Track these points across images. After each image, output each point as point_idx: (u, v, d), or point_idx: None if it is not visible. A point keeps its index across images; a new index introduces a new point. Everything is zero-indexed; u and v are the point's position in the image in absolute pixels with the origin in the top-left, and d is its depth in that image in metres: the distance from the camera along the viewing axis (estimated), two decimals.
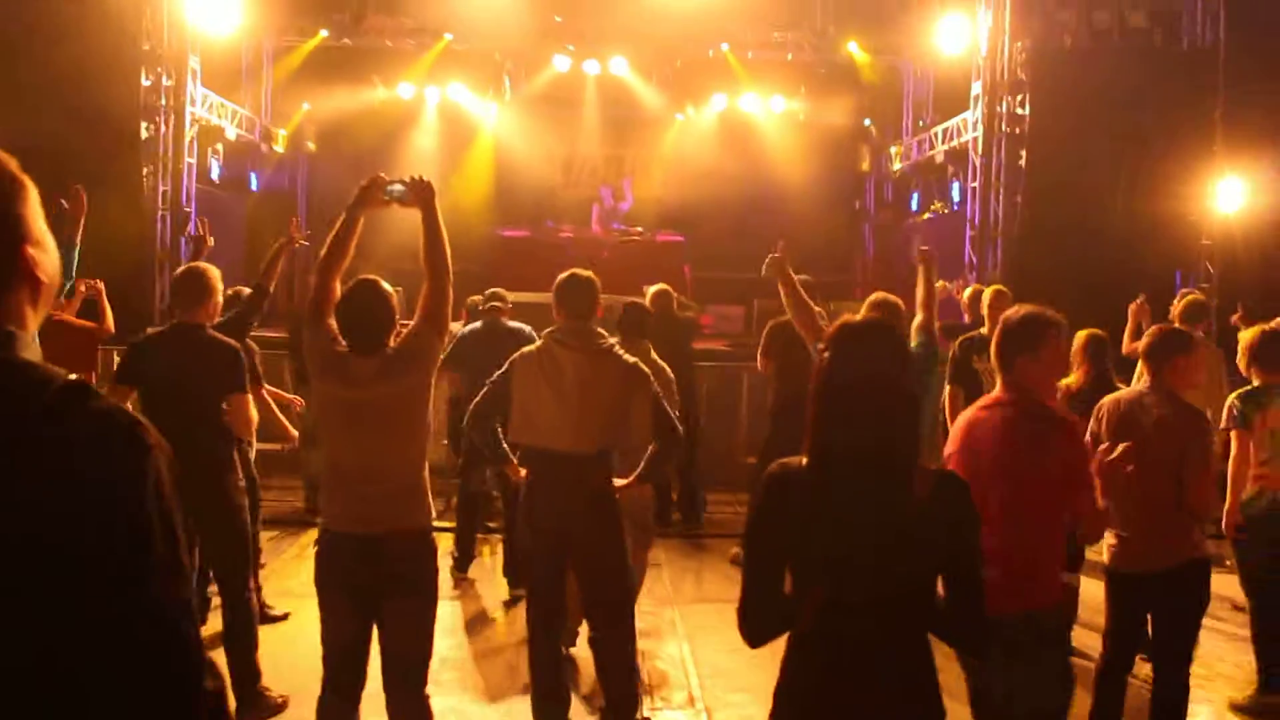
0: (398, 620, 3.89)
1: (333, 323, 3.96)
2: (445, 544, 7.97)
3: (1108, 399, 4.67)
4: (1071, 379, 5.53)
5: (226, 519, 5.04)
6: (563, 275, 4.82)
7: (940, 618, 2.52)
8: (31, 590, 1.34)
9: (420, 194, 4.14)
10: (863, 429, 2.47)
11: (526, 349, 4.78)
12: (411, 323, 4.01)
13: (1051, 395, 3.60)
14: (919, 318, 5.91)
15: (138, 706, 1.39)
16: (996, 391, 3.56)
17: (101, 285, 8.20)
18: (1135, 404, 4.51)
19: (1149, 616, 4.58)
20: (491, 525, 8.52)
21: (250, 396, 5.15)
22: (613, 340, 4.78)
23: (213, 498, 4.96)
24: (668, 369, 5.87)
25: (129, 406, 4.56)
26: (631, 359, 4.75)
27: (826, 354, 2.55)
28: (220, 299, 5.34)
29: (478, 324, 7.75)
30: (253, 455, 6.21)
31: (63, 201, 6.53)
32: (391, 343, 3.94)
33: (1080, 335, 5.67)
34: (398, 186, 4.14)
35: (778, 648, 2.61)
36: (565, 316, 4.72)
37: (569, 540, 4.64)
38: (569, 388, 4.55)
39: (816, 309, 5.94)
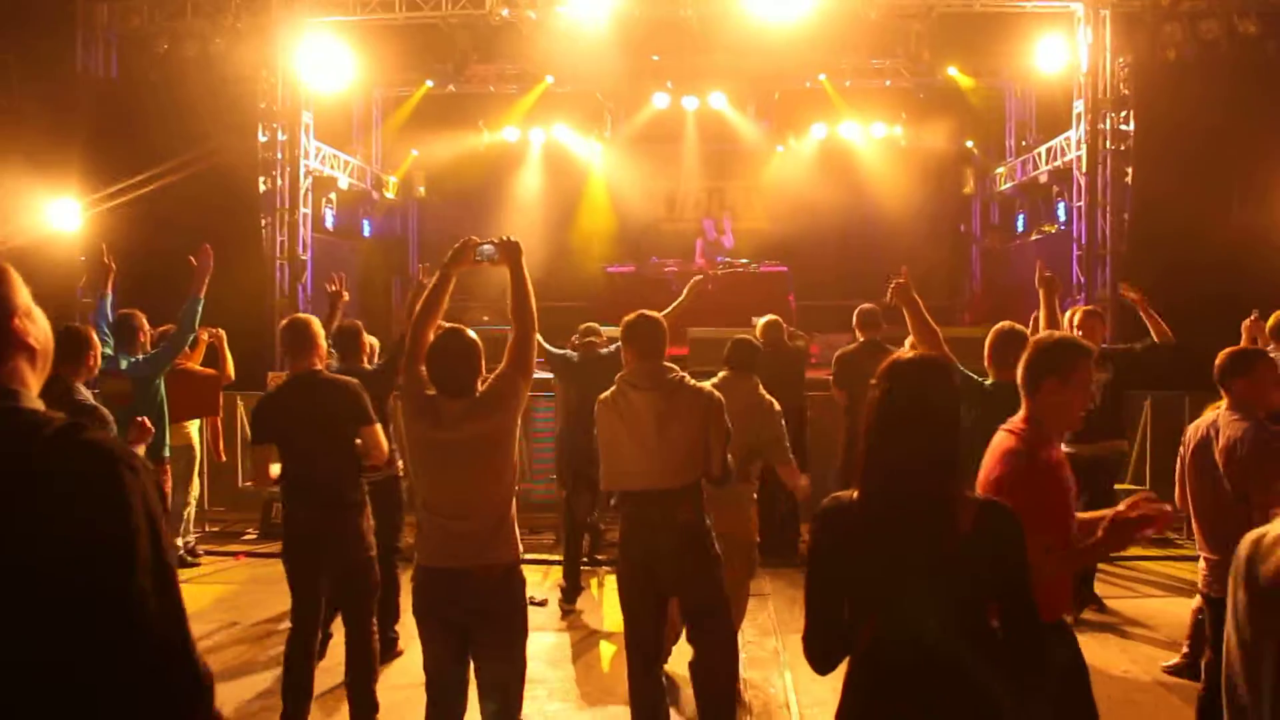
0: (488, 651, 4.06)
1: (423, 369, 4.19)
2: (556, 575, 8.22)
3: (1191, 425, 4.62)
4: None
5: (355, 556, 5.19)
6: (629, 317, 4.92)
7: (996, 643, 2.57)
8: (44, 605, 1.56)
9: (508, 253, 4.37)
10: (909, 464, 2.56)
11: (603, 395, 4.88)
12: (499, 368, 4.20)
13: (1070, 424, 3.42)
14: None
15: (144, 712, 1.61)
16: (1019, 416, 3.38)
17: (222, 333, 8.64)
18: (1211, 428, 4.46)
19: None
20: (601, 558, 8.68)
21: (379, 426, 5.32)
22: (682, 373, 4.84)
23: (344, 535, 5.14)
24: (776, 403, 5.93)
25: (275, 464, 4.85)
26: (704, 387, 4.84)
27: (877, 390, 2.64)
28: (325, 345, 5.53)
29: (574, 355, 8.03)
30: None
31: (191, 258, 6.96)
32: (479, 387, 4.13)
33: None
34: (488, 247, 4.41)
35: None
36: (635, 357, 4.83)
37: (662, 576, 4.71)
38: (646, 428, 4.65)
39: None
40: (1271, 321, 7.32)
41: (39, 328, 1.84)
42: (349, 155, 15.84)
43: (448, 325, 4.24)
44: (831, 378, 8.55)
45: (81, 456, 1.64)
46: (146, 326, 7.41)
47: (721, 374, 4.86)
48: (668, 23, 14.14)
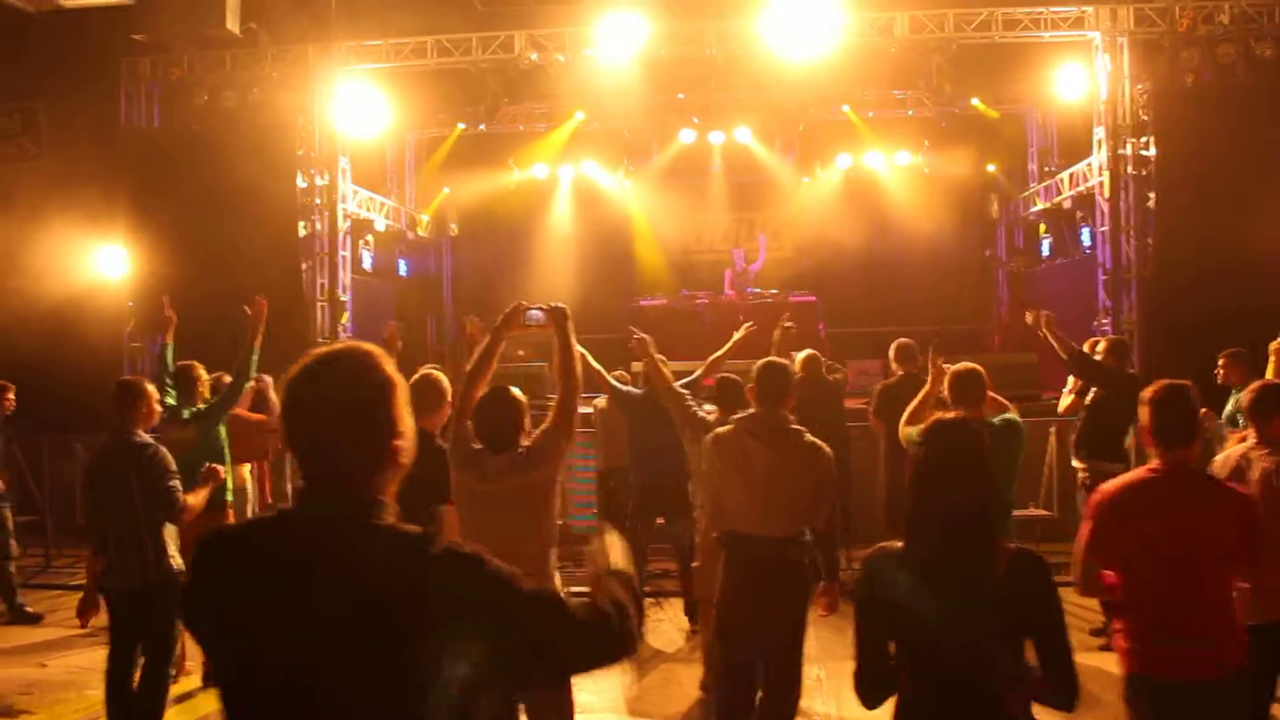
0: (537, 694, 4.25)
1: (470, 425, 4.47)
2: None
3: (1218, 458, 4.77)
4: None
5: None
6: (760, 362, 5.08)
7: (1036, 684, 2.82)
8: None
9: (555, 318, 4.61)
10: (948, 517, 2.82)
11: (716, 434, 5.05)
12: (545, 424, 4.47)
13: None
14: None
15: None
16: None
17: (270, 380, 8.92)
18: (1242, 459, 4.62)
19: None
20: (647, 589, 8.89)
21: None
22: (799, 427, 4.97)
23: None
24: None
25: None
26: (820, 444, 4.95)
27: (922, 450, 2.91)
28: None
29: (638, 391, 8.26)
30: None
31: (246, 309, 7.26)
32: (523, 442, 4.39)
33: None
34: (536, 312, 4.70)
35: None
36: (758, 404, 4.97)
37: (764, 607, 4.86)
38: (757, 477, 4.82)
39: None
40: None
41: (411, 446, 2.02)
42: (384, 197, 16.21)
43: (497, 387, 4.52)
44: (871, 409, 8.82)
45: (447, 563, 1.92)
46: (204, 376, 7.70)
47: (800, 427, 5.03)
48: (692, 61, 14.45)
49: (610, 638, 2.02)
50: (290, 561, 1.88)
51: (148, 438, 5.71)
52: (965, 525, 2.82)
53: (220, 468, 5.89)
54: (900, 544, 2.91)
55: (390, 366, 2.01)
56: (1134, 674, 3.70)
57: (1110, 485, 3.83)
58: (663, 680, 6.96)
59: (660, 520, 8.35)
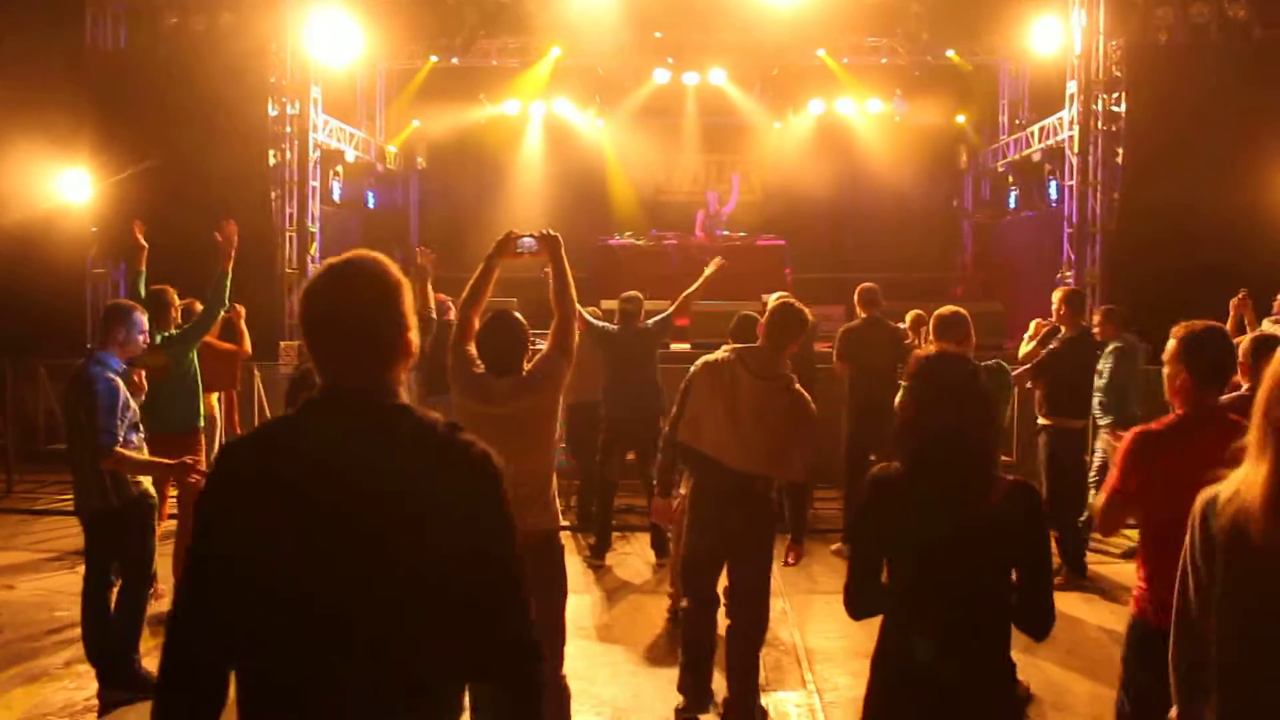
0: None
1: (472, 349, 4.52)
2: (569, 541, 8.57)
3: None
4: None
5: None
6: (777, 302, 5.22)
7: (1014, 606, 2.96)
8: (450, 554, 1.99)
9: (549, 246, 4.62)
10: (946, 447, 2.93)
11: (709, 358, 5.16)
12: (544, 348, 4.54)
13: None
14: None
15: None
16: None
17: (241, 309, 8.88)
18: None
19: None
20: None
21: None
22: (792, 375, 5.09)
23: None
24: None
25: None
26: (805, 395, 5.09)
27: (912, 385, 3.01)
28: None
29: (614, 327, 8.35)
30: None
31: (216, 234, 7.22)
32: (526, 365, 4.47)
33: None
34: (529, 239, 4.66)
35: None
36: (766, 342, 5.09)
37: (728, 538, 5.09)
38: (743, 411, 4.94)
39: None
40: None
41: (417, 336, 2.20)
42: (355, 128, 16.04)
43: (498, 310, 4.57)
44: (835, 352, 8.90)
45: (470, 450, 2.10)
46: (177, 302, 7.67)
47: (792, 375, 5.11)
48: (669, 0, 14.38)
49: (534, 661, 2.12)
50: (328, 439, 2.03)
51: (103, 371, 5.61)
52: (966, 443, 2.93)
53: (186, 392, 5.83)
54: (898, 464, 3.02)
55: (398, 269, 2.18)
56: (1141, 621, 3.60)
57: (1145, 428, 3.72)
58: (630, 610, 7.13)
59: (631, 456, 8.48)
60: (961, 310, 6.18)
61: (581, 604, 7.26)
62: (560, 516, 4.60)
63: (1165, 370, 3.78)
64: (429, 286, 6.77)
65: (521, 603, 2.08)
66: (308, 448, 2.03)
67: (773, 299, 9.54)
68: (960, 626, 2.91)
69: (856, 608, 3.11)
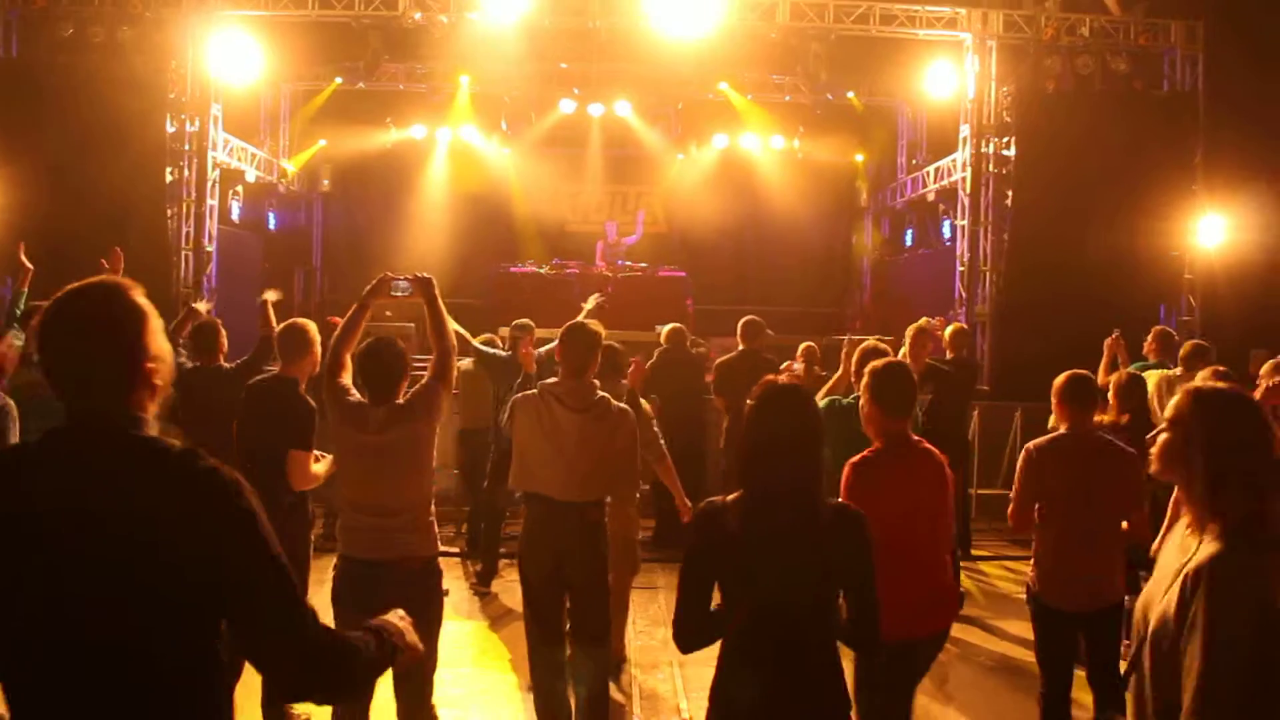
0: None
1: (345, 380, 4.59)
2: (457, 567, 8.54)
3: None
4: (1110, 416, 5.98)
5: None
6: (567, 326, 5.10)
7: (843, 626, 3.07)
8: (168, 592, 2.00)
9: (422, 288, 4.79)
10: (780, 471, 3.03)
11: (525, 395, 5.11)
12: (425, 378, 4.58)
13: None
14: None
15: None
16: None
17: None
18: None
19: None
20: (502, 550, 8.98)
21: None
22: (603, 393, 5.05)
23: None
24: (646, 405, 6.32)
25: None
26: (627, 410, 5.09)
27: (751, 411, 3.11)
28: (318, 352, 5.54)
29: (507, 353, 8.34)
30: None
31: (102, 261, 7.13)
32: (402, 394, 4.50)
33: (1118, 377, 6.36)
34: (403, 283, 4.85)
35: None
36: (566, 371, 5.00)
37: (564, 570, 5.02)
38: (568, 446, 4.88)
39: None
40: (1185, 350, 7.92)
41: (166, 368, 2.16)
42: (256, 148, 15.87)
43: (377, 337, 4.60)
44: (712, 385, 8.99)
45: (204, 479, 2.05)
46: None
47: (603, 392, 5.08)
48: (576, 32, 14.51)
49: (338, 663, 2.15)
50: (51, 485, 2.01)
51: None
52: (795, 482, 3.03)
53: None
54: (732, 496, 3.08)
55: (140, 295, 2.16)
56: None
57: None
58: (512, 638, 7.08)
59: None
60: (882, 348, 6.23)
61: (463, 631, 7.26)
62: (438, 542, 4.61)
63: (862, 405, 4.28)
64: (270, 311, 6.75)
65: (294, 606, 2.11)
66: (43, 486, 2.01)
67: (664, 330, 9.74)
68: (795, 650, 2.99)
69: (688, 640, 3.13)
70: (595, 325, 5.16)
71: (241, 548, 2.05)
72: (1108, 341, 8.69)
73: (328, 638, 2.14)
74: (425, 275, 4.81)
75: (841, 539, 3.02)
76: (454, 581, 8.33)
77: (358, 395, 4.52)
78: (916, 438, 4.22)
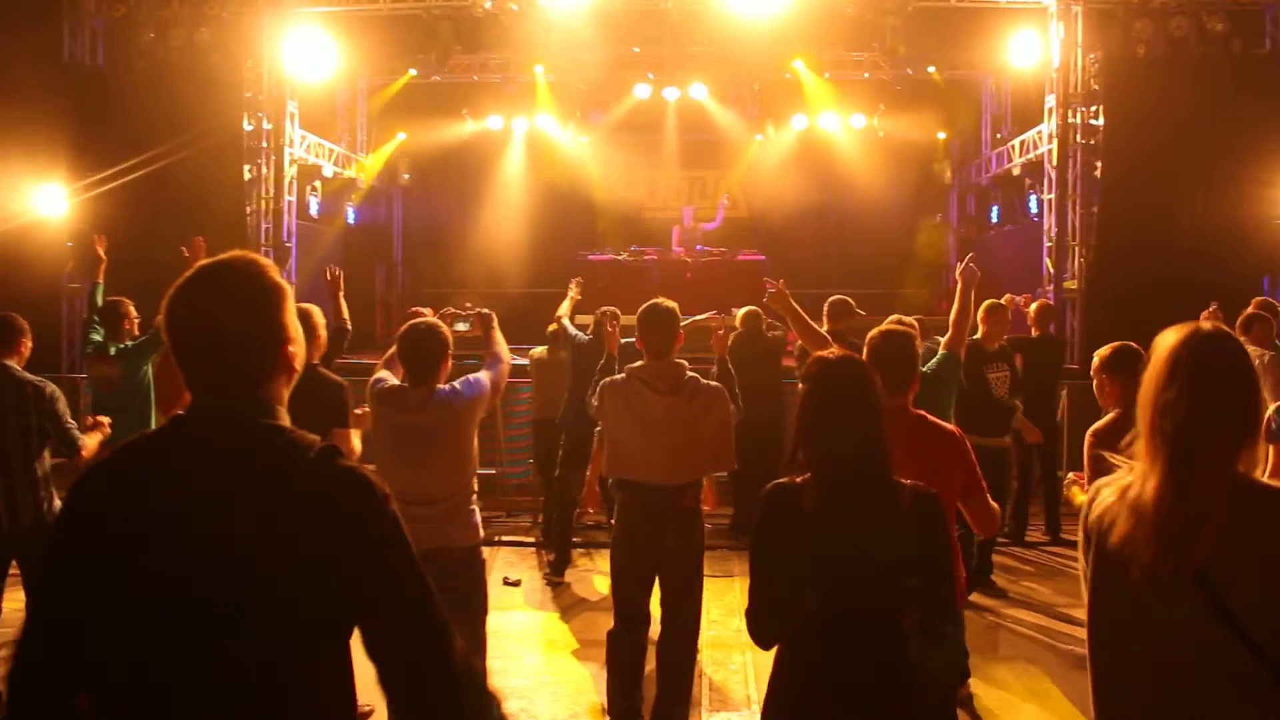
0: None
1: (381, 373, 4.70)
2: (532, 557, 8.46)
3: None
4: None
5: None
6: (645, 308, 5.04)
7: (918, 615, 2.82)
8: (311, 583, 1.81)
9: (481, 324, 5.18)
10: (843, 449, 2.84)
11: (613, 380, 5.05)
12: (481, 373, 4.67)
13: None
14: (948, 334, 5.88)
15: None
16: None
17: None
18: None
19: None
20: (577, 540, 8.88)
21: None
22: (693, 373, 5.00)
23: None
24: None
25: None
26: (717, 387, 5.02)
27: (807, 387, 2.92)
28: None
29: (585, 338, 8.25)
30: None
31: (184, 249, 7.15)
32: (443, 378, 4.51)
33: None
34: (462, 325, 4.87)
35: None
36: (649, 354, 4.97)
37: (657, 557, 4.98)
38: (659, 428, 4.83)
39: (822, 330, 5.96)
40: (1242, 316, 7.56)
41: (302, 351, 2.00)
42: (334, 144, 16.01)
43: (421, 320, 4.62)
44: (799, 372, 8.73)
45: (343, 478, 1.87)
46: (133, 314, 7.59)
47: (693, 373, 5.01)
48: (648, 14, 14.36)
49: (464, 687, 1.92)
50: (183, 471, 1.83)
51: (28, 376, 5.50)
52: (863, 460, 2.84)
53: (105, 420, 5.71)
54: (800, 477, 2.89)
55: (278, 273, 1.98)
56: None
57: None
58: (584, 628, 7.00)
59: None
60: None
61: (534, 621, 7.18)
62: (481, 530, 4.58)
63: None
64: (340, 299, 6.66)
65: (435, 625, 1.90)
66: (163, 484, 1.83)
67: (740, 313, 9.54)
68: (868, 647, 2.80)
69: (765, 633, 2.92)
70: (669, 303, 5.10)
71: (385, 562, 1.87)
72: (1204, 315, 8.29)
73: (470, 666, 1.93)
74: (486, 311, 5.22)
75: (920, 520, 2.82)
76: (527, 571, 8.27)
77: (395, 381, 4.59)
78: (920, 413, 3.94)
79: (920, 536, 2.81)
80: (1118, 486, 2.27)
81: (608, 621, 6.98)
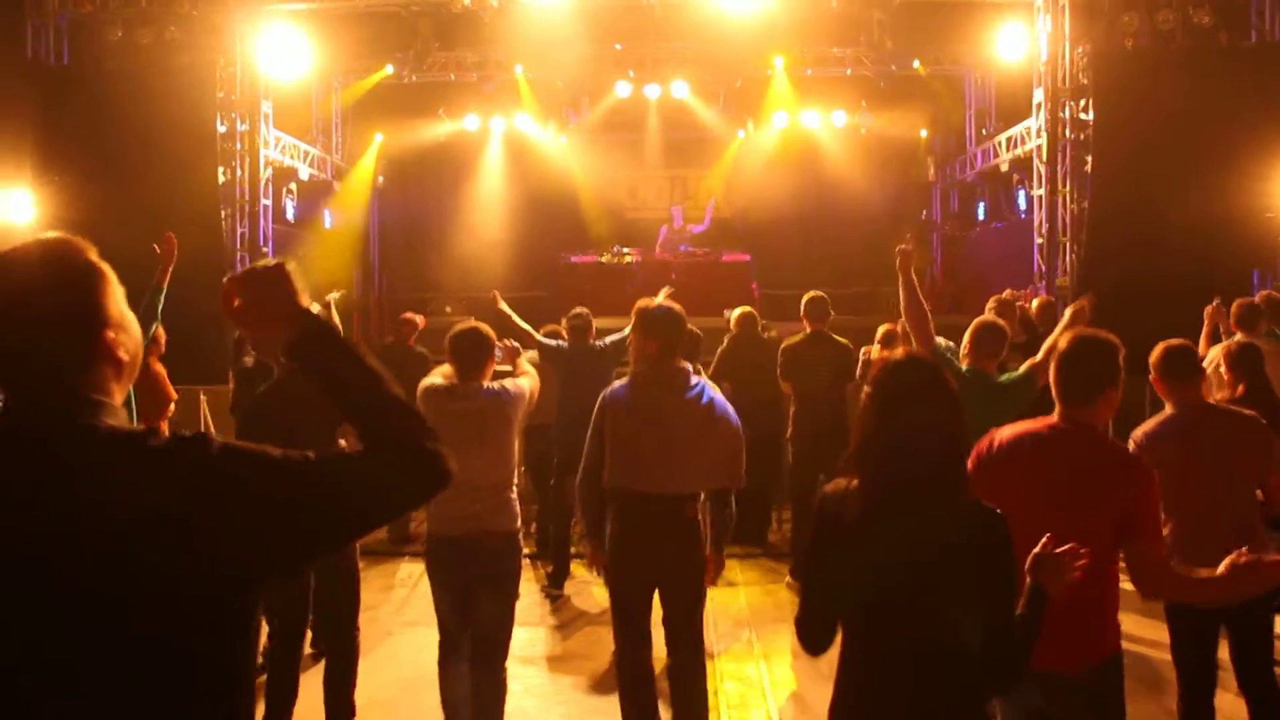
0: (485, 608, 4.72)
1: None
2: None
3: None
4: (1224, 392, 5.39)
5: (340, 561, 5.12)
6: (647, 305, 4.85)
7: (981, 646, 2.57)
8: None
9: (510, 359, 5.52)
10: (909, 460, 2.59)
11: (616, 386, 4.86)
12: (521, 379, 5.03)
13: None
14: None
15: None
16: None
17: (161, 339, 8.27)
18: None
19: None
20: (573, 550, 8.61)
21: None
22: (700, 378, 4.83)
23: None
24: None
25: None
26: (719, 396, 4.80)
27: (872, 390, 2.67)
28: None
29: (565, 344, 8.00)
30: None
31: (155, 246, 6.78)
32: (488, 377, 4.83)
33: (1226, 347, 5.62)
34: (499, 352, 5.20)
35: None
36: (656, 354, 4.73)
37: (656, 572, 4.76)
38: (666, 432, 4.62)
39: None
40: (1235, 309, 7.41)
41: (131, 338, 1.78)
42: (309, 145, 15.65)
43: (468, 323, 4.96)
44: (779, 369, 8.45)
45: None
46: None
47: (700, 377, 4.77)
48: (630, 11, 14.13)
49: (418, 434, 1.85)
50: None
51: None
52: (929, 463, 2.60)
53: None
54: (853, 481, 2.68)
55: (94, 253, 1.77)
56: None
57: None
58: (587, 642, 6.76)
59: None
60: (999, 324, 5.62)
61: (536, 636, 6.90)
62: (519, 517, 4.90)
63: None
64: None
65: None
66: None
67: (734, 315, 9.28)
68: (925, 665, 2.57)
69: (815, 642, 2.76)
70: (671, 303, 4.97)
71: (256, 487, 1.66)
72: (1208, 310, 8.13)
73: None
74: (514, 345, 5.82)
75: (978, 537, 2.57)
76: (524, 584, 7.93)
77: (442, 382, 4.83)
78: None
79: (973, 551, 2.57)
80: None
81: (609, 633, 6.78)
